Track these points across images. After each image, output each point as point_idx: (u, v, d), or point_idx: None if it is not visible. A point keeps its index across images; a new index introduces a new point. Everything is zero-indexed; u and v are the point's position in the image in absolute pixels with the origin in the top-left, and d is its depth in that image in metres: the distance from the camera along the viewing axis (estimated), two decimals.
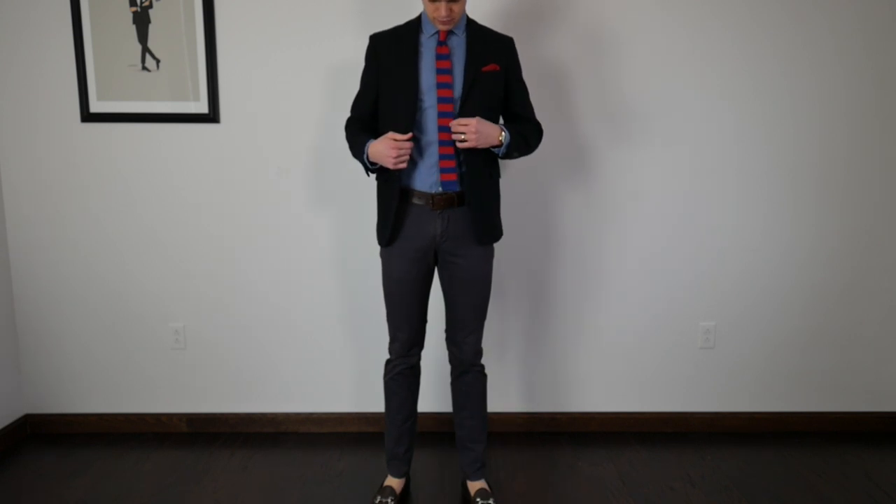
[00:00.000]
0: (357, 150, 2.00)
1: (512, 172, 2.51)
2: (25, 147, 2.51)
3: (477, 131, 1.87)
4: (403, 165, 1.88)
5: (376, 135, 2.01)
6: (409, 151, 1.88)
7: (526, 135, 2.03)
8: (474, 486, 2.17)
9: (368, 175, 2.06)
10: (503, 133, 1.94)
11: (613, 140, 2.54)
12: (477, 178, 1.96)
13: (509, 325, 2.65)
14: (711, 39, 2.48)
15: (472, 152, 1.94)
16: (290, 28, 2.45)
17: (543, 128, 2.12)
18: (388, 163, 1.87)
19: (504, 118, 2.08)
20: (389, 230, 1.98)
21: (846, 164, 2.57)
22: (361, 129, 2.04)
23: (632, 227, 2.59)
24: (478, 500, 2.11)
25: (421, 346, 2.14)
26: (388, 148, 1.86)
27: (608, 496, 2.23)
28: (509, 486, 2.29)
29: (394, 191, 1.96)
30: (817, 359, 2.69)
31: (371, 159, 1.94)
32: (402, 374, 2.13)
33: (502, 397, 2.69)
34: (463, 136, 1.87)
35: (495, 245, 2.10)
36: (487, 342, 2.60)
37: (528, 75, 2.11)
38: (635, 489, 2.27)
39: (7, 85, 2.47)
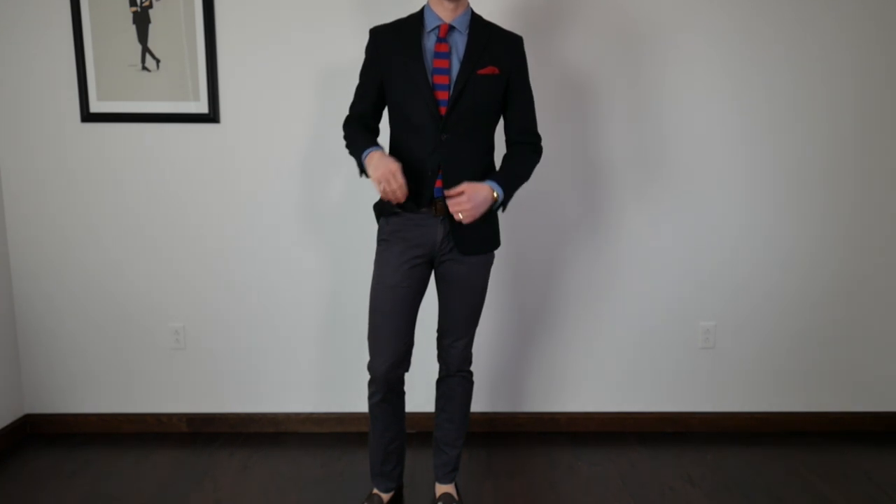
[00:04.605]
0: (355, 148, 1.90)
1: None
2: (25, 147, 2.51)
3: (472, 205, 1.79)
4: (381, 193, 1.80)
5: (376, 135, 1.98)
6: (395, 194, 1.79)
7: (518, 171, 1.94)
8: (441, 488, 2.14)
9: (360, 176, 1.94)
10: (495, 191, 1.84)
11: (611, 140, 2.54)
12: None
13: (509, 325, 2.65)
14: (717, 39, 2.48)
15: (457, 163, 1.85)
16: (291, 28, 2.45)
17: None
18: (375, 183, 1.78)
19: (504, 126, 1.98)
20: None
21: (846, 164, 2.57)
22: (363, 127, 1.95)
23: (632, 227, 2.60)
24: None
25: (406, 367, 1.99)
26: (383, 175, 1.76)
27: (608, 496, 2.23)
28: (509, 486, 2.28)
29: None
30: (817, 359, 2.69)
31: (365, 164, 1.85)
32: (384, 400, 2.01)
33: (502, 397, 2.69)
34: (461, 216, 1.80)
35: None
36: (488, 342, 2.62)
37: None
38: (635, 489, 2.27)
39: (7, 85, 2.47)
